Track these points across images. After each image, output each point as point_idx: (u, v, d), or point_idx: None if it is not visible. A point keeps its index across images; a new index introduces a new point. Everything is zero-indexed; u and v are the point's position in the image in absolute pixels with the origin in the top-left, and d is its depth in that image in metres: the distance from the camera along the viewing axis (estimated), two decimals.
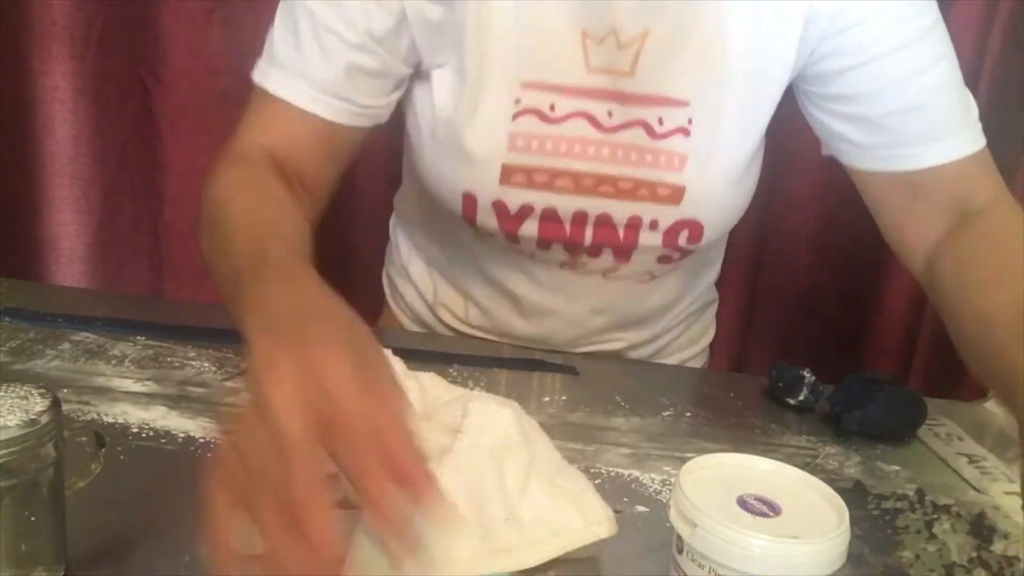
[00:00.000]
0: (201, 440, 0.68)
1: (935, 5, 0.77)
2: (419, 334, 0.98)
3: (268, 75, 0.77)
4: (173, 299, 1.34)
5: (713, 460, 0.52)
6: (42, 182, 1.33)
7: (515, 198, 0.79)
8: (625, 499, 0.65)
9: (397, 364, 0.70)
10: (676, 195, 0.78)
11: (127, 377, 0.76)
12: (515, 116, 0.76)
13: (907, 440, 0.81)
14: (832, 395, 0.82)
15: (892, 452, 0.78)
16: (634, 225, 0.80)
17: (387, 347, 0.71)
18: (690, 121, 0.76)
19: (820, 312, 1.36)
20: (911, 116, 0.76)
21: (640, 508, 0.65)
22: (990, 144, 1.06)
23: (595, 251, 0.83)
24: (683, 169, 0.77)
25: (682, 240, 0.82)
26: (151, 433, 0.68)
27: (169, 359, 0.81)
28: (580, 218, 0.80)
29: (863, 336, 1.35)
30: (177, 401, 0.73)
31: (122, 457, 0.63)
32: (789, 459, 0.54)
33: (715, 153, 0.78)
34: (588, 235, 0.81)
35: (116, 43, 1.27)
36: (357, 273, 1.32)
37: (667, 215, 0.80)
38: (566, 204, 0.79)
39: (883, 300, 1.33)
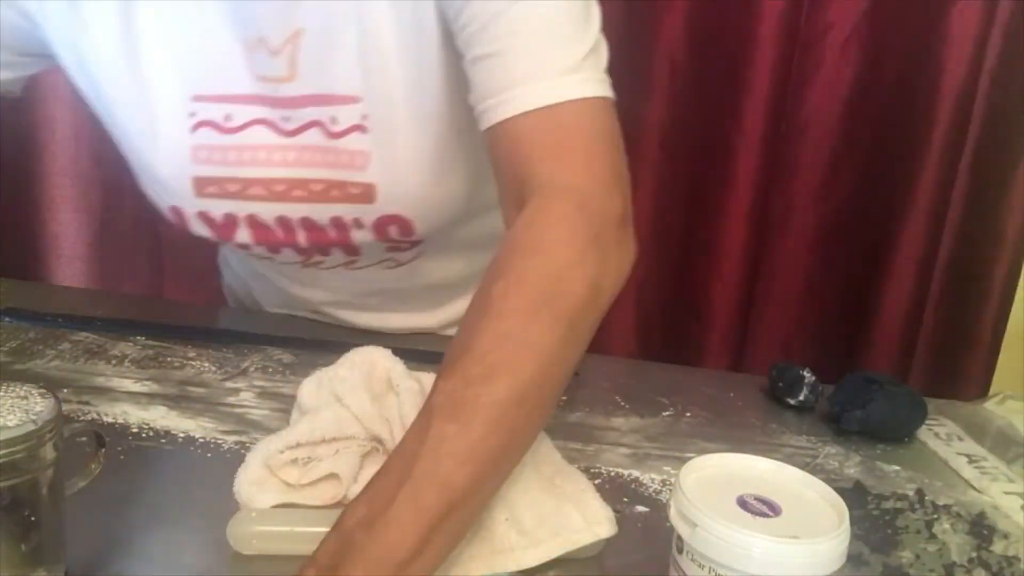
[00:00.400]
0: (201, 440, 0.68)
1: None
2: (418, 335, 0.98)
3: None
4: (173, 299, 1.34)
5: (713, 460, 0.52)
6: (43, 182, 1.33)
7: (216, 208, 0.78)
8: (625, 499, 0.65)
9: (397, 364, 0.70)
10: (368, 193, 0.76)
11: (127, 377, 0.76)
12: (193, 128, 0.75)
13: (907, 440, 0.81)
14: (832, 395, 0.82)
15: (892, 452, 0.78)
16: (339, 225, 0.78)
17: (387, 347, 0.72)
18: (365, 117, 0.73)
19: (820, 312, 1.36)
20: (488, 62, 0.64)
21: (640, 508, 0.65)
22: (990, 144, 1.05)
23: (322, 252, 0.82)
24: (367, 167, 0.74)
25: (394, 233, 0.79)
26: (151, 433, 0.68)
27: (169, 359, 0.81)
28: (285, 223, 0.79)
29: (863, 336, 1.35)
30: (177, 401, 0.73)
31: (122, 457, 0.63)
32: (789, 459, 0.54)
33: (398, 148, 0.74)
34: (301, 237, 0.80)
35: None
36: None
37: (366, 212, 0.77)
38: (266, 211, 0.78)
39: (883, 300, 1.33)
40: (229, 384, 0.77)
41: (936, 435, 0.82)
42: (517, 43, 0.63)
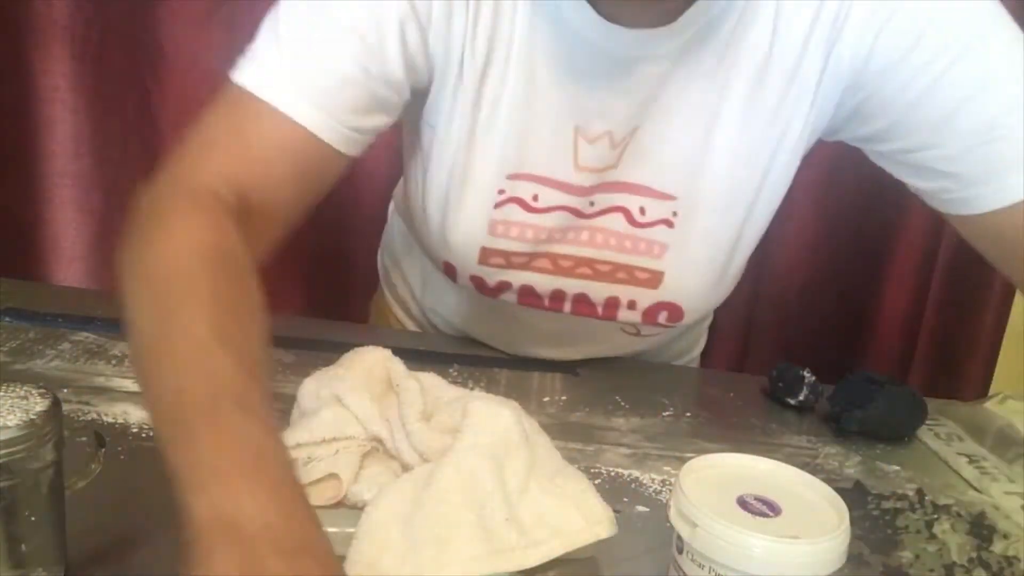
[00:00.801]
0: None
1: (981, 19, 0.65)
2: (418, 335, 0.98)
3: (248, 75, 0.66)
4: None
5: (713, 460, 0.52)
6: (43, 182, 1.33)
7: (493, 276, 0.78)
8: (625, 499, 0.65)
9: (397, 364, 0.70)
10: (654, 280, 0.77)
11: (127, 377, 0.76)
12: (497, 205, 0.74)
13: (907, 440, 0.81)
14: (832, 395, 0.82)
15: (892, 452, 0.78)
16: (612, 304, 0.79)
17: (387, 347, 0.71)
18: (675, 214, 0.74)
19: (820, 312, 1.36)
20: (965, 157, 0.66)
21: (640, 508, 0.65)
22: None
23: (576, 317, 0.82)
24: (663, 256, 0.76)
25: (662, 319, 0.80)
26: (151, 433, 0.68)
27: None
28: (558, 295, 0.79)
29: (863, 336, 1.36)
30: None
31: (122, 457, 0.63)
32: (789, 459, 0.54)
33: (696, 244, 0.75)
34: (567, 308, 0.80)
35: (116, 43, 1.27)
36: (348, 252, 1.32)
37: (645, 297, 0.78)
38: (544, 283, 0.78)
39: (883, 300, 1.33)
40: None
41: (936, 435, 0.82)
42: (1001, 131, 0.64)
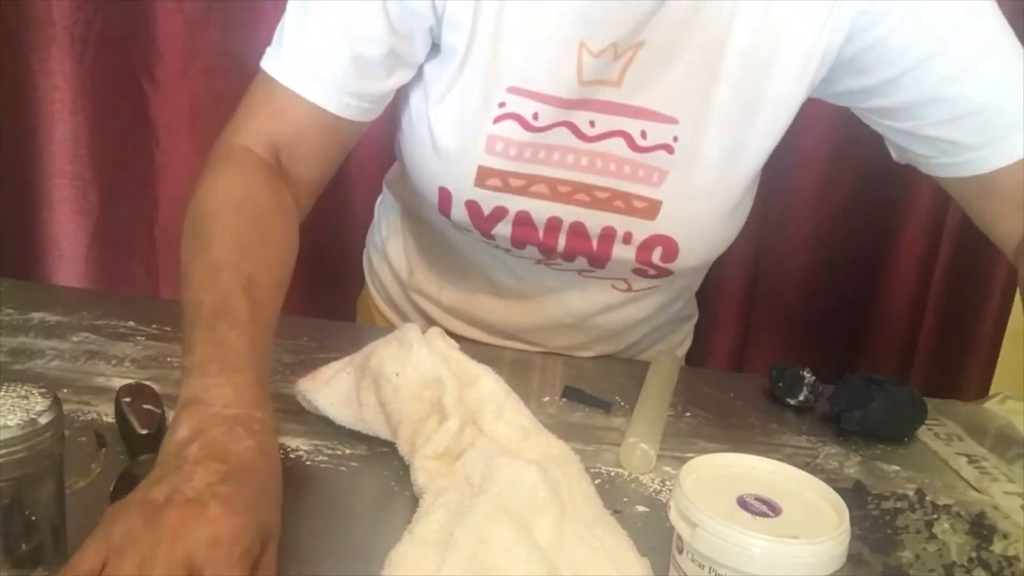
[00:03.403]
0: None
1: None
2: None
3: (277, 63, 0.74)
4: (169, 299, 1.34)
5: (713, 460, 0.52)
6: (41, 182, 1.33)
7: (489, 200, 0.78)
8: (625, 499, 0.65)
9: (412, 330, 0.71)
10: (651, 209, 0.77)
11: (127, 377, 0.76)
12: (496, 119, 0.74)
13: (907, 440, 0.81)
14: (832, 395, 0.82)
15: (892, 452, 0.78)
16: (607, 236, 0.79)
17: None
18: (675, 139, 0.75)
19: (820, 312, 1.36)
20: (960, 123, 0.72)
21: (640, 508, 0.65)
22: None
23: (569, 257, 0.82)
24: (661, 184, 0.76)
25: (656, 257, 0.80)
26: None
27: (169, 359, 0.81)
28: (554, 224, 0.79)
29: (863, 336, 1.36)
30: (177, 401, 0.73)
31: (122, 457, 0.63)
32: (789, 459, 0.54)
33: (697, 173, 0.76)
34: (561, 242, 0.80)
35: (114, 44, 1.27)
36: (345, 249, 1.33)
37: (641, 229, 0.78)
38: (540, 209, 0.78)
39: (883, 300, 1.34)
40: None
41: (936, 435, 0.82)
42: (995, 98, 0.70)
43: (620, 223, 0.78)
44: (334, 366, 0.73)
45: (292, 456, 0.67)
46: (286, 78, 0.73)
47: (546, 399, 0.81)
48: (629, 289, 0.87)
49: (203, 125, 1.29)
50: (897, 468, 0.75)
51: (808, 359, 0.90)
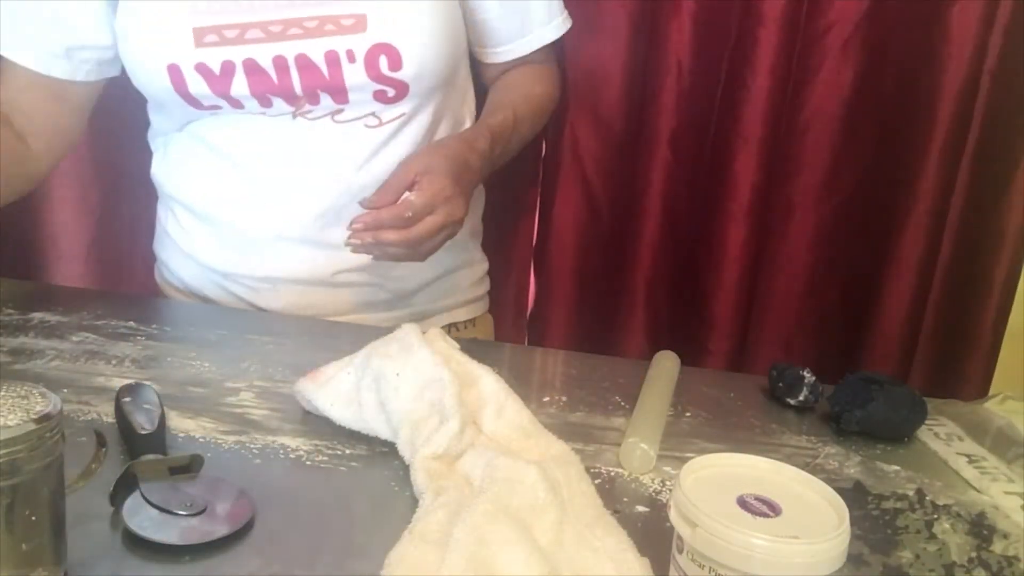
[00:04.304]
0: (201, 440, 0.68)
1: None
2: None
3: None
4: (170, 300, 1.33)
5: (713, 460, 0.52)
6: (43, 182, 1.33)
7: (214, 57, 0.85)
8: (625, 499, 0.65)
9: (412, 331, 0.72)
10: (360, 23, 0.85)
11: (127, 377, 0.76)
12: None
13: (907, 440, 0.81)
14: (832, 395, 0.82)
15: (892, 452, 0.78)
16: (333, 60, 0.86)
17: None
18: None
19: (820, 312, 1.36)
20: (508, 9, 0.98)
21: (640, 508, 0.65)
22: (991, 144, 1.06)
23: (312, 97, 0.88)
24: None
25: (384, 67, 0.87)
26: None
27: (169, 359, 0.81)
28: (281, 63, 0.85)
29: (863, 336, 1.35)
30: (177, 401, 0.73)
31: (122, 457, 0.63)
32: (789, 459, 0.54)
33: None
34: (295, 80, 0.86)
35: None
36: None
37: (359, 43, 0.85)
38: (263, 53, 0.85)
39: (883, 300, 1.33)
40: (229, 384, 0.77)
41: (936, 435, 0.82)
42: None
43: (339, 44, 0.85)
44: (334, 366, 0.73)
45: (292, 456, 0.67)
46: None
47: (546, 399, 0.81)
48: (381, 123, 0.92)
49: None
50: (897, 468, 0.75)
51: (808, 359, 0.90)
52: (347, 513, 0.62)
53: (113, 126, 1.31)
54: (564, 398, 0.81)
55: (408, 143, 0.95)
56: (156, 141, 1.04)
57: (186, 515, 0.56)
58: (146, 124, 1.31)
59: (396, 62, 0.87)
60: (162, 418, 0.67)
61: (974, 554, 0.61)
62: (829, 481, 0.51)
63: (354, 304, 0.99)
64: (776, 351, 1.38)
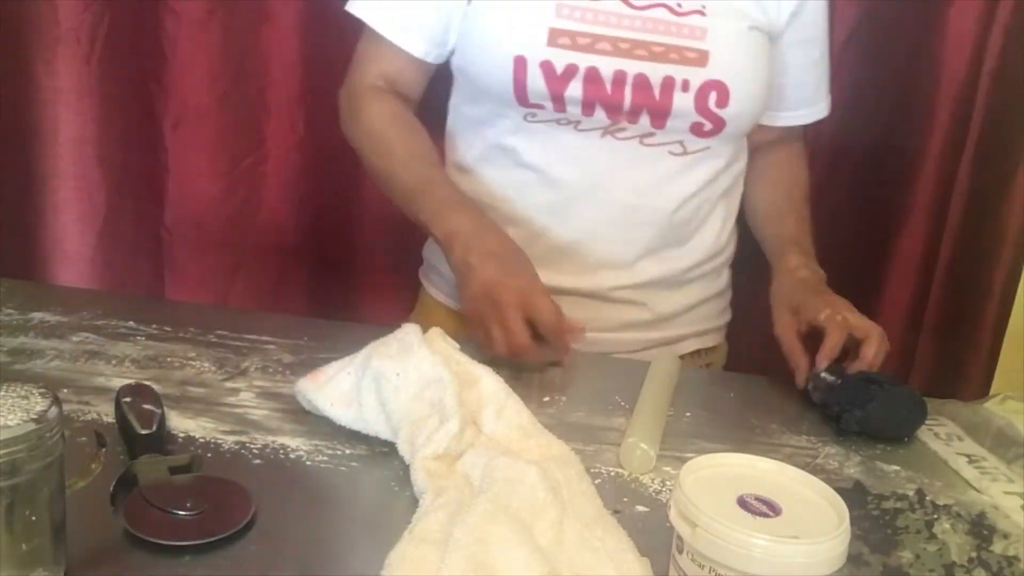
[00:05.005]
0: (201, 440, 0.68)
1: None
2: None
3: (373, 14, 0.98)
4: (175, 300, 1.34)
5: (713, 460, 0.52)
6: (47, 183, 1.33)
7: (561, 58, 0.91)
8: (625, 499, 0.65)
9: (412, 331, 0.72)
10: (702, 58, 0.92)
11: (127, 377, 0.76)
12: None
13: (907, 440, 0.81)
14: (832, 395, 0.82)
15: (892, 452, 0.78)
16: (668, 85, 0.92)
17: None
18: (704, 7, 0.93)
19: None
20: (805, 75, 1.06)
21: (640, 508, 0.65)
22: (990, 144, 1.07)
23: (634, 115, 0.93)
24: (704, 38, 0.92)
25: (711, 103, 0.93)
26: None
27: (169, 359, 0.81)
28: (620, 78, 0.91)
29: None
30: (177, 401, 0.73)
31: (122, 457, 0.63)
32: (789, 459, 0.54)
33: (730, 29, 0.94)
34: (627, 96, 0.92)
35: (120, 45, 1.27)
36: (347, 249, 1.34)
37: (696, 76, 0.92)
38: (607, 65, 0.91)
39: (883, 300, 1.33)
40: (229, 384, 0.77)
41: (936, 435, 0.82)
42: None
43: (678, 72, 0.92)
44: (334, 366, 0.73)
45: (292, 456, 0.67)
46: (380, 27, 0.98)
47: (546, 399, 0.81)
48: (684, 152, 0.97)
49: (209, 124, 1.29)
50: (897, 468, 0.75)
51: (808, 359, 0.89)
52: (347, 513, 0.62)
53: (120, 127, 1.32)
54: (564, 398, 0.81)
55: (702, 176, 1.00)
56: (455, 141, 1.08)
57: (186, 515, 0.56)
58: (153, 125, 1.31)
59: (724, 99, 0.93)
60: (162, 418, 0.67)
61: (974, 554, 0.61)
62: (829, 481, 0.51)
63: (620, 323, 1.02)
64: (775, 351, 1.38)
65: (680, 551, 0.49)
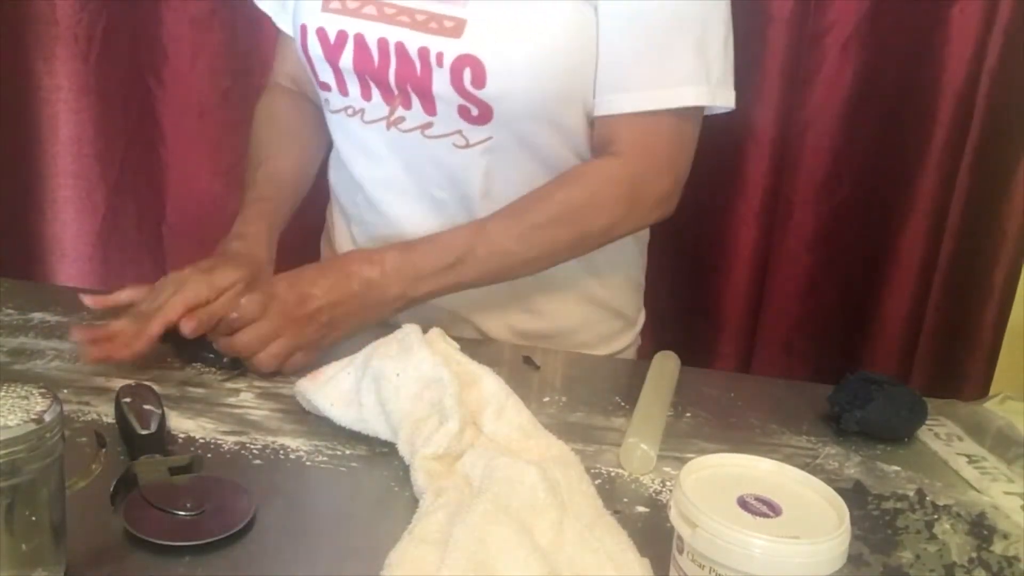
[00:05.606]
0: (201, 440, 0.68)
1: None
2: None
3: (276, 8, 1.00)
4: None
5: (713, 460, 0.52)
6: (46, 182, 1.33)
7: (333, 24, 0.89)
8: (625, 499, 0.65)
9: (413, 331, 0.72)
10: (458, 28, 0.84)
11: (127, 377, 0.76)
12: None
13: (907, 440, 0.81)
14: (832, 395, 0.82)
15: (892, 452, 0.78)
16: (424, 58, 0.86)
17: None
18: None
19: (820, 312, 1.36)
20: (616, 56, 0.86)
21: (640, 508, 0.65)
22: (991, 144, 1.06)
23: (404, 97, 0.89)
24: (466, 5, 0.85)
25: (467, 80, 0.84)
26: None
27: (169, 359, 0.81)
28: (384, 47, 0.87)
29: (863, 336, 1.35)
30: (177, 401, 0.73)
31: (122, 457, 0.63)
32: (789, 459, 0.54)
33: (495, 3, 0.84)
34: (392, 70, 0.88)
35: (119, 44, 1.27)
36: None
37: (450, 48, 0.84)
38: (372, 31, 0.87)
39: (883, 300, 1.33)
40: (229, 384, 0.77)
41: (936, 435, 0.82)
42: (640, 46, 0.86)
43: (433, 43, 0.85)
44: (334, 366, 0.73)
45: (292, 456, 0.67)
46: (274, 16, 1.01)
47: (546, 399, 0.81)
48: (467, 144, 0.89)
49: (209, 123, 1.29)
50: (897, 468, 0.75)
51: (808, 359, 0.90)
52: (347, 513, 0.62)
53: (119, 125, 1.32)
54: (564, 398, 0.81)
55: (498, 170, 0.90)
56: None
57: (186, 515, 0.56)
58: (152, 123, 1.31)
59: (480, 78, 0.83)
60: (162, 418, 0.67)
61: (974, 554, 0.61)
62: (829, 481, 0.51)
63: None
64: (776, 351, 1.38)
65: (680, 551, 0.49)
